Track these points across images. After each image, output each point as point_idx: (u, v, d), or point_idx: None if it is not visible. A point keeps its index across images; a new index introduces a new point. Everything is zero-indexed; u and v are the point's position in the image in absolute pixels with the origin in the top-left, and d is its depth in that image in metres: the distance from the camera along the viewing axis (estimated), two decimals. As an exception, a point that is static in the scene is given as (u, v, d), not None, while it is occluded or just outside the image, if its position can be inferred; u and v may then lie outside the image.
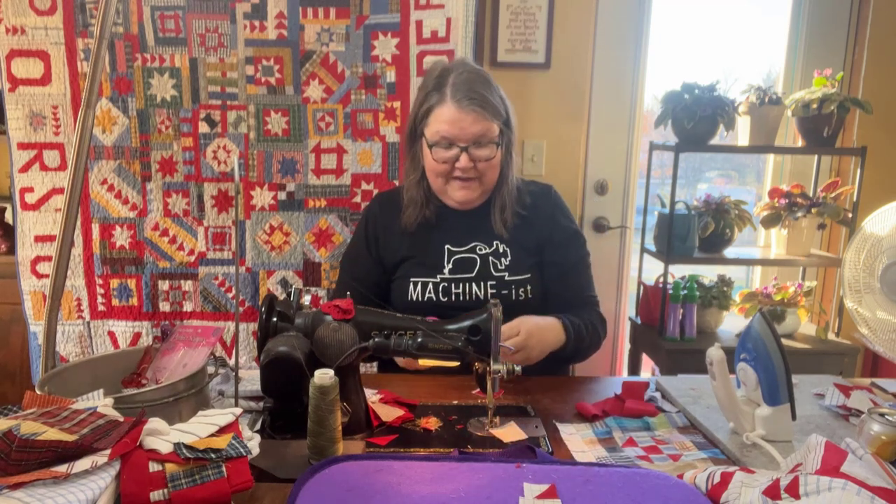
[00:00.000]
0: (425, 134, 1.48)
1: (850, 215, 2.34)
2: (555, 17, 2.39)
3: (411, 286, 1.52)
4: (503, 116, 1.48)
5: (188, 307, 2.18)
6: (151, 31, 2.05)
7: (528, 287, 1.52)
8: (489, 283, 1.50)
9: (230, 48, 2.06)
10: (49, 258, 2.13)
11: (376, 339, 1.10)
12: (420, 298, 1.51)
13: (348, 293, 1.53)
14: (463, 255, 1.53)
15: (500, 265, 1.52)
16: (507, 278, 1.51)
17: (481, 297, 1.50)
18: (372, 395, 1.25)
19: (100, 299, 2.17)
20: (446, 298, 1.51)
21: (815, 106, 2.23)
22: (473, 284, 1.50)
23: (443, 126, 1.43)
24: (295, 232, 2.16)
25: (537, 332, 1.35)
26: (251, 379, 1.29)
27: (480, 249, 1.53)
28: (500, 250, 1.53)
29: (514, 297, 1.51)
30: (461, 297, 1.50)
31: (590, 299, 1.60)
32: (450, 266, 1.52)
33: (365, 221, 1.63)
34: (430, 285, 1.51)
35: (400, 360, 1.45)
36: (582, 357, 1.55)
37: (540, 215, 1.57)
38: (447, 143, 1.44)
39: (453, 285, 1.51)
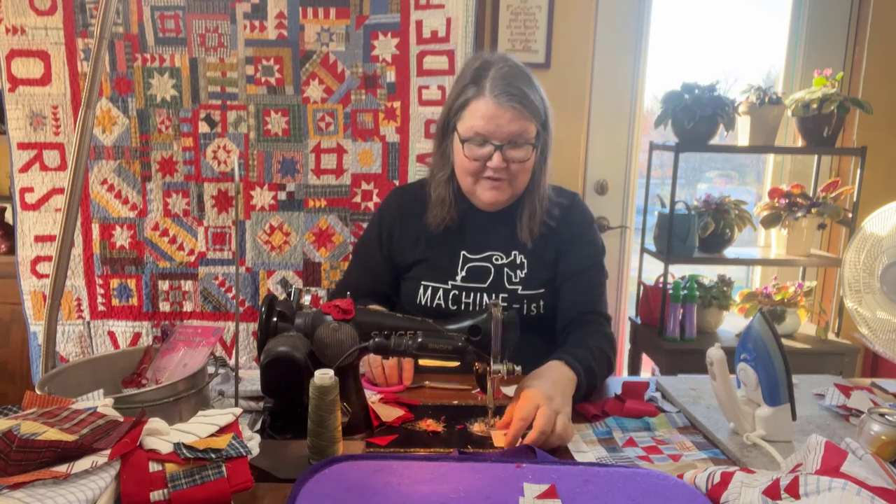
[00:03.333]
0: (458, 129, 1.39)
1: (850, 215, 2.34)
2: (555, 17, 2.40)
3: (421, 289, 1.47)
4: (542, 118, 1.39)
5: (188, 307, 2.18)
6: (151, 31, 2.05)
7: (542, 302, 1.45)
8: (501, 295, 1.44)
9: (230, 48, 2.06)
10: (49, 258, 2.13)
11: (376, 339, 1.10)
12: (429, 304, 1.46)
13: (350, 287, 1.46)
14: (478, 264, 1.46)
15: (515, 278, 1.45)
16: (520, 292, 1.44)
17: None
18: (372, 395, 1.25)
19: (100, 299, 2.17)
20: (455, 307, 1.45)
21: (815, 106, 2.24)
22: (484, 295, 1.45)
23: (478, 121, 1.34)
24: (295, 232, 2.16)
25: (553, 388, 1.14)
26: (251, 379, 1.29)
27: (497, 259, 1.46)
28: (518, 262, 1.46)
29: (525, 311, 1.44)
30: (471, 307, 1.45)
31: (596, 316, 1.44)
32: (463, 273, 1.46)
33: (380, 218, 1.55)
34: (441, 291, 1.45)
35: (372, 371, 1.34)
36: (595, 389, 1.34)
37: (565, 230, 1.48)
38: (481, 139, 1.35)
39: (464, 294, 1.45)
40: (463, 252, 1.47)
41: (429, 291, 1.47)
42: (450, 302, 1.46)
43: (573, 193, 1.56)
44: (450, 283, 1.46)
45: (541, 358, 1.26)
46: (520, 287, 1.45)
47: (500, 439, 1.10)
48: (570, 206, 1.52)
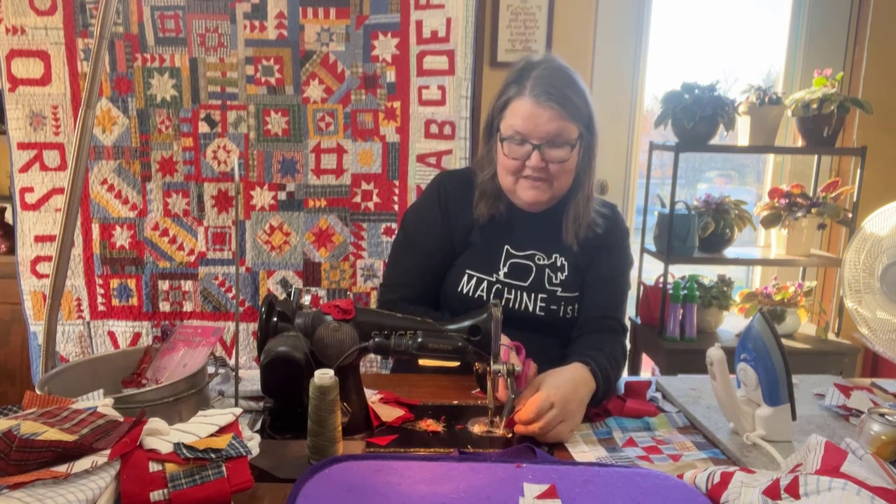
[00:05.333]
0: (500, 128, 1.40)
1: (850, 215, 2.34)
2: (555, 17, 2.40)
3: (465, 278, 1.45)
4: (585, 119, 1.40)
5: (188, 307, 2.18)
6: (151, 31, 2.05)
7: (576, 305, 1.46)
8: (540, 295, 1.44)
9: (230, 48, 2.06)
10: (49, 258, 2.13)
11: (376, 339, 1.10)
12: (472, 294, 1.44)
13: (401, 286, 1.49)
14: (520, 261, 1.46)
15: (555, 279, 1.45)
16: (559, 294, 1.45)
17: (531, 308, 1.44)
18: (372, 395, 1.25)
19: (100, 299, 2.17)
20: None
21: (815, 106, 2.24)
22: (524, 294, 1.44)
23: (517, 120, 1.35)
24: (295, 232, 2.16)
25: (573, 394, 1.15)
26: (251, 379, 1.29)
27: (539, 259, 1.46)
28: (559, 264, 1.46)
29: (561, 313, 1.45)
30: (510, 305, 1.43)
31: (615, 323, 1.46)
32: (505, 269, 1.45)
33: (436, 194, 1.52)
34: (485, 283, 1.44)
35: None
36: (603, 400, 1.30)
37: (605, 238, 1.49)
38: (520, 138, 1.36)
39: (506, 290, 1.44)
40: (507, 247, 1.47)
41: (472, 281, 1.45)
42: (492, 296, 1.44)
43: (612, 204, 1.57)
44: (494, 276, 1.45)
45: (565, 360, 1.27)
46: (559, 289, 1.45)
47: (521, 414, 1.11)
48: (612, 216, 1.53)
